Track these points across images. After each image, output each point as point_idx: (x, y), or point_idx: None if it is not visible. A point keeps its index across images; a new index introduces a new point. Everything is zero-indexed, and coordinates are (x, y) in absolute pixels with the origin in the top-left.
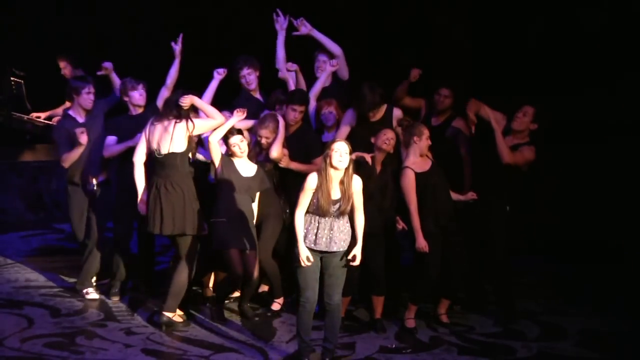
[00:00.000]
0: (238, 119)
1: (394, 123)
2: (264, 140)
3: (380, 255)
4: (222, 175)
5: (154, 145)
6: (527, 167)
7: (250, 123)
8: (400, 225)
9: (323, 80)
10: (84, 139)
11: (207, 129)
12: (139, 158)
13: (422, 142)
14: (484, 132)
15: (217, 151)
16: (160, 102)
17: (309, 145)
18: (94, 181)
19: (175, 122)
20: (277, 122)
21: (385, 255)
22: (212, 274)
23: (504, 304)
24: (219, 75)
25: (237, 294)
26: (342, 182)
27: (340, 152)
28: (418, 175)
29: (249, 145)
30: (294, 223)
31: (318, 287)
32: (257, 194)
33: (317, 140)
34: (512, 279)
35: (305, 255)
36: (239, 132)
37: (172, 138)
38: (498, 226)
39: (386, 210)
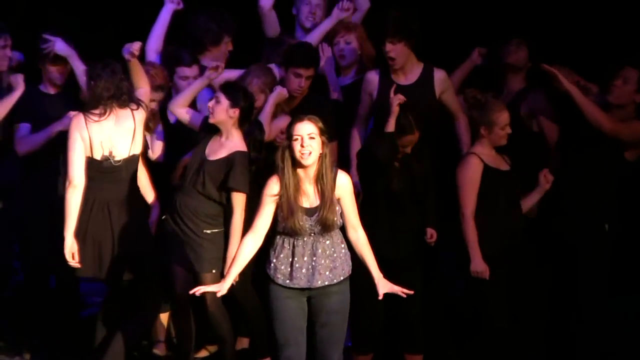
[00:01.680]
0: (209, 78)
1: (437, 90)
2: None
3: (416, 293)
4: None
5: (104, 151)
6: (636, 153)
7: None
8: (430, 234)
9: (326, 27)
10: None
11: None
12: (81, 179)
13: (495, 132)
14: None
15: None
16: None
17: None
18: None
19: (132, 111)
20: (270, 76)
21: (424, 292)
22: (168, 316)
23: None
24: (172, 3)
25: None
26: (317, 180)
27: (303, 139)
28: (487, 169)
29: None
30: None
31: (305, 342)
32: (239, 197)
33: (333, 115)
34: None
35: (227, 284)
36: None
37: (135, 135)
38: (595, 257)
39: (420, 224)
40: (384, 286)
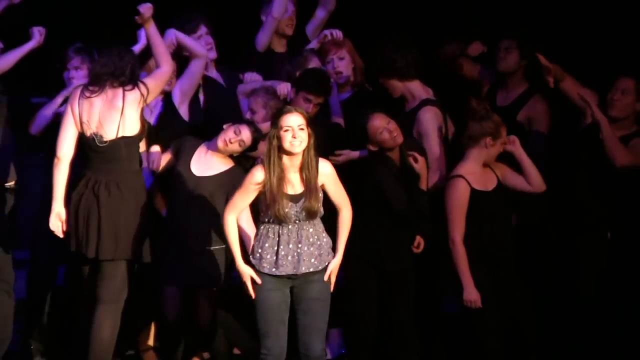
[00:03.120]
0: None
1: None
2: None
3: (408, 301)
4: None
5: (92, 129)
6: None
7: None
8: (417, 243)
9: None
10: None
11: (162, 87)
12: (67, 152)
13: (494, 147)
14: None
15: None
16: None
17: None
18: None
19: (124, 91)
20: (273, 98)
21: (418, 301)
22: (152, 326)
23: None
24: (39, 35)
25: None
26: (301, 169)
27: (293, 130)
28: (474, 193)
29: None
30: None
31: (286, 333)
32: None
33: (326, 139)
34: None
35: (248, 273)
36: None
37: (123, 115)
38: (594, 266)
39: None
40: (332, 268)
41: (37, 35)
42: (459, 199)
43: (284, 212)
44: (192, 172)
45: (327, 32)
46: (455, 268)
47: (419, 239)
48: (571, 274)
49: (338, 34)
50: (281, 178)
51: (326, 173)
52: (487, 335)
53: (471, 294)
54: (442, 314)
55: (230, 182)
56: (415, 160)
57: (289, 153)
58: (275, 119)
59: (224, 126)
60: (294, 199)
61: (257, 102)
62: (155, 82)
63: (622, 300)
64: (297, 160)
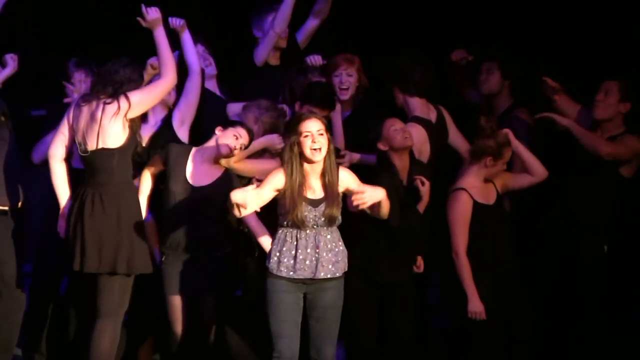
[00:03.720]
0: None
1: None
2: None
3: (409, 314)
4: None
5: (78, 137)
6: (631, 169)
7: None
8: (419, 264)
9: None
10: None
11: (155, 101)
12: (56, 151)
13: (495, 167)
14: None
15: None
16: None
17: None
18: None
19: (105, 103)
20: (271, 113)
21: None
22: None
23: None
24: (12, 62)
25: None
26: (323, 175)
27: (313, 135)
28: (477, 206)
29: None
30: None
31: (299, 336)
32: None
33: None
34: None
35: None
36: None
37: (101, 126)
38: (593, 282)
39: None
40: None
41: (11, 63)
42: (462, 211)
43: (303, 216)
44: (190, 184)
45: (307, 59)
46: (459, 280)
47: (420, 260)
48: (569, 289)
49: (317, 59)
50: (302, 184)
51: (346, 179)
52: (487, 348)
53: (476, 306)
54: (430, 328)
55: (227, 186)
56: (422, 183)
57: (310, 161)
58: (294, 125)
59: (216, 131)
60: (314, 203)
61: (249, 118)
62: (144, 96)
63: (620, 313)
64: (319, 166)
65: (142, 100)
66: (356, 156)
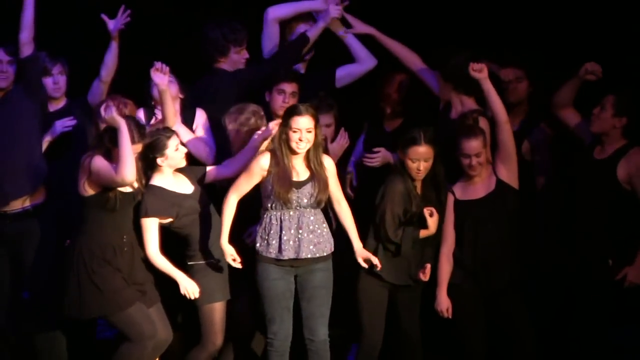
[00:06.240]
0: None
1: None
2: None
3: (416, 314)
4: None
5: None
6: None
7: None
8: (424, 274)
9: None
10: None
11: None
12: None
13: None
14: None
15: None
16: (92, 98)
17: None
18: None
19: (87, 157)
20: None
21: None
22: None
23: None
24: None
25: None
26: (307, 159)
27: (301, 132)
28: (458, 204)
29: None
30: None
31: (291, 319)
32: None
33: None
34: None
35: (230, 253)
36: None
37: (79, 176)
38: (599, 294)
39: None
40: (361, 254)
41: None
42: (447, 211)
43: (288, 195)
44: (186, 194)
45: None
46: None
47: (428, 267)
48: (574, 303)
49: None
50: (286, 164)
51: (329, 168)
52: (467, 347)
53: (439, 304)
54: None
55: (205, 193)
56: (430, 215)
57: (293, 152)
58: (286, 117)
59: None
60: (297, 185)
61: (230, 118)
62: (98, 173)
63: (623, 326)
64: (301, 155)
65: (96, 174)
66: (389, 155)
